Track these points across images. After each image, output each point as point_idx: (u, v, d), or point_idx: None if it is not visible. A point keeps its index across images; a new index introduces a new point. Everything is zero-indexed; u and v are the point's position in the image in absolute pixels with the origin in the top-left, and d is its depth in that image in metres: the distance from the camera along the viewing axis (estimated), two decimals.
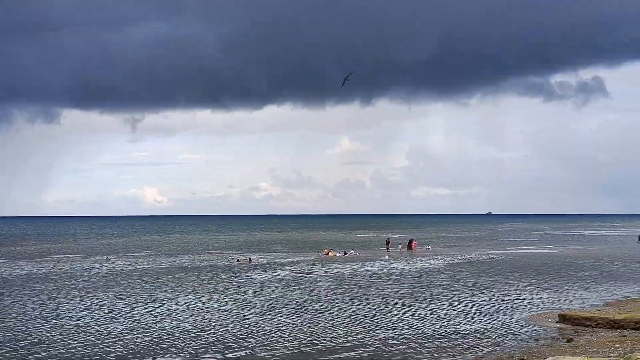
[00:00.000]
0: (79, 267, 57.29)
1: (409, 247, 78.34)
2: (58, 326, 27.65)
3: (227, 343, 23.93)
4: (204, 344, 23.75)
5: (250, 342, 24.08)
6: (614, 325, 24.76)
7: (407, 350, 22.43)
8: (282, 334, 25.40)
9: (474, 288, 39.40)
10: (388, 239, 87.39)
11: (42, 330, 26.82)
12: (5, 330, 26.76)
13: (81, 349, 23.17)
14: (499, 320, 28.09)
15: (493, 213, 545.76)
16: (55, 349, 23.11)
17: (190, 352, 22.48)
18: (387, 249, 78.15)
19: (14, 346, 23.66)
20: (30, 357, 22.04)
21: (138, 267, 57.05)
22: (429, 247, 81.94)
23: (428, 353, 22.05)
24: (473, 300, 34.17)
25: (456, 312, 30.52)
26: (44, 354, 22.45)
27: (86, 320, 29.11)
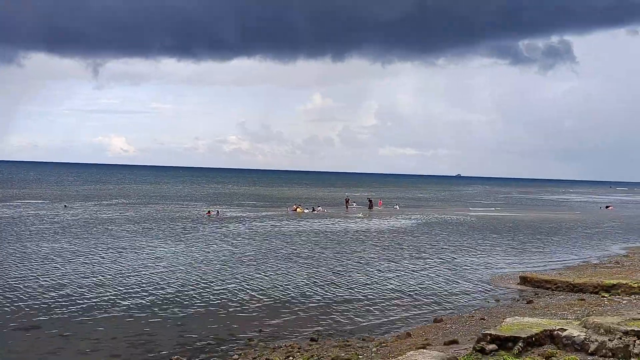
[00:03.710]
0: (39, 213, 56.53)
1: (370, 206, 78.35)
2: (19, 272, 27.34)
3: (200, 294, 23.88)
4: (177, 294, 23.68)
5: (223, 293, 24.07)
6: (573, 288, 25.20)
7: (367, 308, 22.58)
8: (255, 286, 25.43)
9: (438, 248, 39.81)
10: (347, 197, 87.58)
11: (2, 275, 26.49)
12: None
13: (35, 298, 22.94)
14: (461, 281, 28.44)
15: (462, 175, 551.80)
16: (13, 296, 22.84)
17: (162, 301, 22.39)
18: (346, 207, 78.27)
19: None
20: None
21: (101, 215, 56.49)
22: (397, 206, 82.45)
23: (388, 312, 22.22)
24: (436, 260, 34.52)
25: (418, 271, 30.80)
26: (1, 302, 22.18)
27: (41, 268, 28.81)
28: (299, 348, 16.91)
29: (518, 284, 27.52)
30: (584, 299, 23.03)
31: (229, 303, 22.62)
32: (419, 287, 26.56)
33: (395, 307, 22.76)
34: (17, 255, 32.24)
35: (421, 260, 34.49)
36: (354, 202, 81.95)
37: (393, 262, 33.50)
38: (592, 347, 11.60)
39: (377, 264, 32.68)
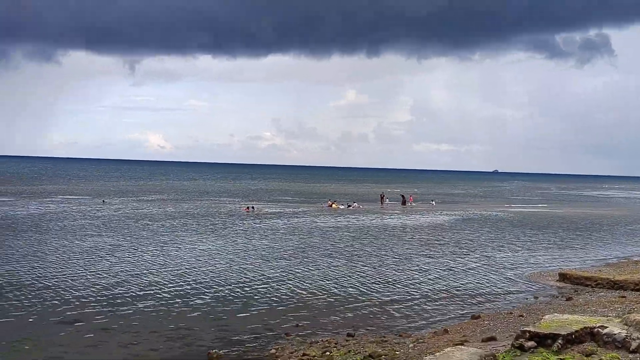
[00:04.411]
0: (81, 208, 57.58)
1: (403, 202, 77.93)
2: (63, 266, 27.93)
3: (239, 288, 24.14)
4: (216, 288, 23.97)
5: (262, 288, 24.28)
6: (614, 285, 24.82)
7: (405, 304, 22.55)
8: (293, 281, 25.61)
9: (476, 244, 39.52)
10: (382, 192, 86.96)
11: (43, 271, 27.09)
12: (9, 271, 27.00)
13: (77, 291, 23.41)
14: (500, 277, 28.21)
15: (499, 171, 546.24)
16: (57, 290, 23.34)
17: (201, 295, 22.69)
18: (381, 203, 77.94)
19: (17, 289, 23.91)
20: (34, 300, 22.27)
21: (140, 210, 57.29)
22: (433, 202, 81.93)
23: (425, 308, 22.16)
24: (474, 257, 34.29)
25: (456, 267, 30.65)
26: (46, 296, 22.69)
27: (81, 265, 29.37)
28: (335, 343, 16.98)
29: (557, 280, 27.20)
30: (624, 296, 22.65)
31: (267, 297, 22.80)
32: (457, 283, 26.42)
33: (433, 303, 22.69)
34: (62, 249, 32.91)
35: (459, 256, 34.29)
36: (387, 198, 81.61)
37: (430, 258, 33.37)
38: (634, 344, 11.43)
39: (415, 259, 32.59)
